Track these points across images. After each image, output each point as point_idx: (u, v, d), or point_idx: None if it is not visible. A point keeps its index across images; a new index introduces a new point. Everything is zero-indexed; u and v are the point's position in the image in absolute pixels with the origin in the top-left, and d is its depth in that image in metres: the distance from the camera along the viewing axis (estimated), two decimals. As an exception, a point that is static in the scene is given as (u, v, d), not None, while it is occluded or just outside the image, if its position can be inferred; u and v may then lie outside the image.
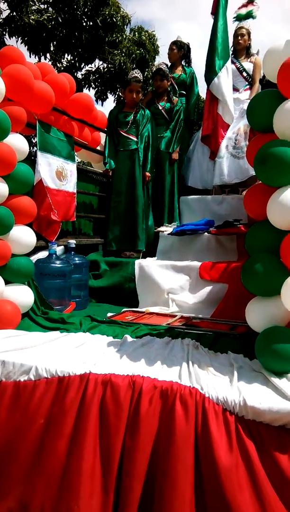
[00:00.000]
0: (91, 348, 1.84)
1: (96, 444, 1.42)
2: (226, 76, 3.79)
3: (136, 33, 8.32)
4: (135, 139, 3.61)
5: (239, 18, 4.20)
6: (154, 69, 4.08)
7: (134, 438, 1.38)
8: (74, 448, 1.42)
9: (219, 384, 1.44)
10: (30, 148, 2.45)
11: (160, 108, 3.98)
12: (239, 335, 2.08)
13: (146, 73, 7.80)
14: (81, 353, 1.76)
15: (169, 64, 4.30)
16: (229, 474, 1.23)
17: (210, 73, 3.79)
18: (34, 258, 2.68)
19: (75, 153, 3.40)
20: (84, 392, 1.50)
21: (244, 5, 4.22)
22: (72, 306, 2.75)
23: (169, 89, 4.02)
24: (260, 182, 1.68)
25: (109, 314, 2.64)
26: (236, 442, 1.28)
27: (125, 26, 8.08)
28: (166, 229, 3.62)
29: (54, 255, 2.68)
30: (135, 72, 3.69)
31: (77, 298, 2.90)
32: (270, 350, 1.47)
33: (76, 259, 2.96)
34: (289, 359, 1.45)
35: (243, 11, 4.19)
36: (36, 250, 2.68)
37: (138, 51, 8.06)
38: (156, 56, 8.46)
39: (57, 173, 2.99)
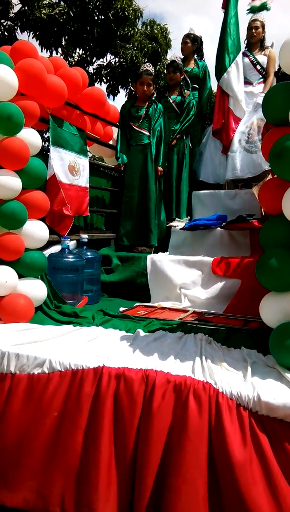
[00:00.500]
0: (104, 342, 1.85)
1: (111, 437, 1.43)
2: (236, 71, 3.76)
3: (148, 26, 8.27)
4: (148, 133, 3.60)
5: (253, 10, 4.13)
6: (168, 62, 4.05)
7: (147, 432, 1.39)
8: (91, 441, 1.43)
9: (233, 379, 1.43)
10: (42, 143, 2.46)
11: (171, 101, 3.95)
12: (252, 330, 2.07)
13: (158, 67, 7.74)
14: (94, 347, 1.77)
15: (182, 57, 4.26)
16: (243, 468, 1.23)
17: (220, 68, 3.77)
18: (47, 252, 2.70)
19: (88, 147, 3.40)
20: (98, 385, 1.50)
21: (258, -3, 4.15)
22: (85, 300, 2.77)
23: (181, 82, 3.98)
24: (275, 176, 1.66)
25: (121, 309, 2.65)
26: (250, 437, 1.27)
27: (137, 20, 8.03)
28: (178, 224, 3.61)
29: (66, 250, 2.69)
30: (147, 66, 3.67)
31: (89, 292, 2.92)
32: (285, 346, 1.46)
33: (88, 253, 2.97)
34: (303, 355, 1.44)
35: (257, 3, 4.12)
36: (49, 244, 2.69)
37: (150, 45, 8.01)
38: (168, 50, 8.40)
39: (70, 167, 3.00)
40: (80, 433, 1.46)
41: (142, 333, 1.99)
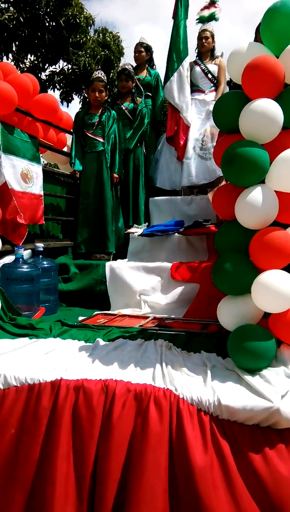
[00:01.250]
0: (62, 354, 1.80)
1: (69, 452, 1.39)
2: (178, 80, 3.85)
3: (100, 34, 8.30)
4: (102, 140, 3.58)
5: (202, 20, 4.25)
6: (119, 69, 4.07)
7: (107, 444, 1.36)
8: (47, 457, 1.38)
9: (193, 384, 1.43)
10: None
11: (124, 108, 3.98)
12: (211, 334, 2.09)
13: (111, 74, 7.79)
14: (51, 359, 1.72)
15: (133, 65, 4.30)
16: (204, 474, 1.23)
17: (165, 77, 3.88)
18: None
19: (41, 154, 3.33)
20: (56, 399, 1.47)
21: (206, 7, 4.27)
22: (42, 311, 2.69)
23: (133, 90, 4.02)
24: (228, 182, 1.69)
25: (80, 318, 2.60)
26: (211, 442, 1.28)
27: (89, 27, 8.04)
28: (137, 230, 3.61)
29: (21, 259, 2.60)
30: (98, 73, 3.68)
31: (46, 302, 2.84)
32: (242, 348, 1.48)
33: (45, 262, 2.90)
34: (261, 357, 1.46)
35: (206, 13, 4.24)
36: (1, 254, 2.60)
37: (102, 53, 8.04)
38: (121, 58, 8.47)
39: (22, 175, 2.92)
40: (37, 450, 1.41)
41: (101, 342, 1.95)
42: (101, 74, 3.67)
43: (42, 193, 3.17)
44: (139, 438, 1.34)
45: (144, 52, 4.33)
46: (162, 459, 1.30)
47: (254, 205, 1.52)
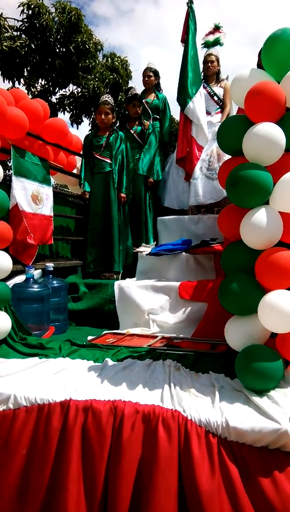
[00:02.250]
0: (71, 374, 1.82)
1: (80, 474, 1.39)
2: (200, 100, 3.94)
3: (109, 58, 8.54)
4: (109, 161, 3.67)
5: (207, 45, 4.37)
6: (129, 95, 4.18)
7: (117, 466, 1.36)
8: (58, 479, 1.39)
9: (201, 405, 1.43)
10: (5, 172, 2.45)
11: (132, 132, 4.09)
12: (219, 354, 2.08)
13: (119, 97, 7.97)
14: (61, 379, 1.73)
15: (139, 88, 4.41)
16: (211, 498, 1.22)
17: (185, 97, 3.92)
18: (10, 283, 2.64)
19: (51, 176, 3.41)
20: (65, 419, 1.48)
21: (211, 32, 4.40)
22: (51, 330, 2.71)
23: (140, 114, 4.15)
24: (233, 203, 1.72)
25: (89, 338, 2.61)
26: (219, 466, 1.27)
27: (98, 52, 8.28)
28: (145, 249, 3.64)
29: (31, 279, 2.64)
30: (105, 96, 3.80)
31: (56, 322, 2.86)
32: (250, 369, 1.48)
33: (54, 282, 2.93)
34: (268, 377, 1.46)
35: (211, 38, 4.37)
36: (12, 274, 2.64)
37: (111, 76, 8.26)
38: (129, 81, 8.68)
39: (33, 197, 2.99)
40: (47, 472, 1.42)
41: (110, 362, 1.96)
42: (108, 97, 3.79)
43: (52, 214, 3.23)
44: (149, 460, 1.34)
45: (153, 76, 4.46)
46: (172, 482, 1.29)
47: (258, 226, 1.54)
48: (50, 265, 3.01)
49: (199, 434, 1.32)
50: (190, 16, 3.98)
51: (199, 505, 1.23)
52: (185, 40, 4.03)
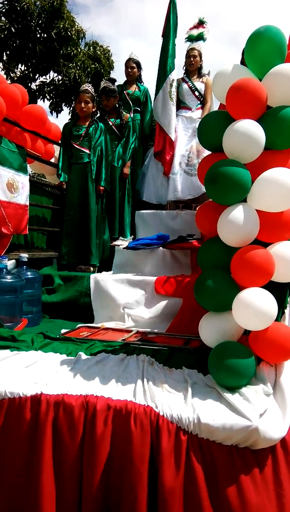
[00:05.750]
0: (43, 367, 1.78)
1: (52, 469, 1.39)
2: (162, 97, 3.94)
3: (91, 47, 8.40)
4: (88, 151, 3.61)
5: (190, 39, 4.34)
6: (100, 88, 4.12)
7: (91, 461, 1.36)
8: (32, 475, 1.38)
9: (174, 401, 1.43)
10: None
11: (110, 124, 4.03)
12: (193, 349, 2.09)
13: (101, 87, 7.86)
14: (32, 373, 1.70)
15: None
16: (172, 495, 1.23)
17: (155, 95, 3.98)
18: (-17, 273, 2.56)
19: (28, 165, 3.33)
20: (36, 414, 1.45)
21: (195, 27, 4.37)
22: (24, 322, 2.66)
23: (117, 105, 4.08)
24: (211, 200, 1.72)
25: (63, 331, 2.57)
26: (184, 464, 1.28)
27: (80, 40, 8.13)
28: (122, 243, 3.62)
29: (4, 270, 2.58)
30: (86, 85, 3.74)
31: (29, 314, 2.81)
32: (223, 366, 1.49)
33: (28, 273, 2.87)
34: (240, 374, 1.47)
35: (195, 32, 4.34)
36: (-15, 265, 2.56)
37: (93, 65, 8.13)
38: (111, 71, 8.57)
39: (8, 185, 2.91)
40: (21, 466, 1.41)
41: (83, 356, 1.94)
42: (88, 86, 3.72)
43: (27, 203, 3.16)
44: (122, 456, 1.34)
45: (135, 68, 4.40)
46: (144, 478, 1.30)
47: (235, 223, 1.54)
48: (24, 255, 2.94)
49: (170, 431, 1.32)
50: (171, 10, 3.95)
51: (163, 501, 1.24)
52: (164, 34, 4.00)
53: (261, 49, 1.69)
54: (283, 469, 1.29)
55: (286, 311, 1.70)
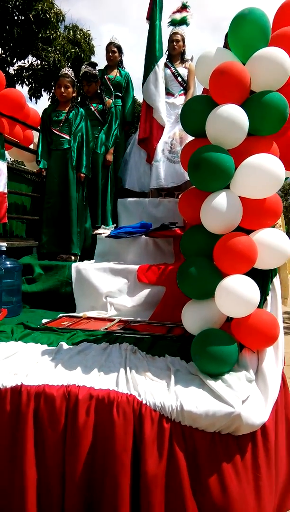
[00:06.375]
0: (23, 358, 1.76)
1: (35, 459, 1.38)
2: (154, 80, 3.85)
3: (71, 31, 8.18)
4: (68, 137, 3.52)
5: (173, 23, 4.26)
6: (81, 73, 4.02)
7: (74, 451, 1.37)
8: (15, 466, 1.37)
9: (157, 389, 1.43)
10: None
11: (93, 109, 3.94)
12: (176, 337, 2.09)
13: (81, 72, 7.68)
14: (12, 364, 1.67)
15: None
16: (154, 481, 1.25)
17: (144, 78, 3.84)
18: None
19: (6, 151, 3.23)
20: (17, 405, 1.44)
21: (179, 11, 4.28)
22: (3, 313, 2.60)
23: (99, 91, 3.99)
24: (194, 186, 1.70)
25: (44, 321, 2.53)
26: (167, 451, 1.28)
27: (59, 23, 7.90)
28: (104, 231, 3.57)
29: (-17, 260, 2.51)
30: (65, 69, 3.64)
31: (9, 304, 2.75)
32: (205, 353, 1.48)
33: (8, 263, 2.80)
34: (223, 361, 1.48)
35: (178, 16, 4.25)
36: None
37: (73, 50, 7.92)
38: (92, 56, 8.38)
39: (-14, 172, 2.82)
40: (4, 459, 1.41)
41: (65, 346, 1.91)
42: (68, 70, 3.62)
43: (6, 191, 3.07)
44: (104, 445, 1.34)
45: (117, 52, 4.30)
46: (126, 466, 1.30)
47: (218, 210, 1.53)
48: (3, 244, 2.87)
49: (153, 419, 1.31)
50: None
51: (145, 488, 1.25)
52: (149, 17, 3.91)
53: (245, 32, 1.65)
54: (261, 453, 1.31)
55: (268, 298, 1.70)
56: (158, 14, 3.90)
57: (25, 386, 1.46)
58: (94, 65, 4.09)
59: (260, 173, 1.51)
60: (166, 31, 4.15)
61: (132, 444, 1.32)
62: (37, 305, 3.01)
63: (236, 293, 1.47)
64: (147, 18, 3.97)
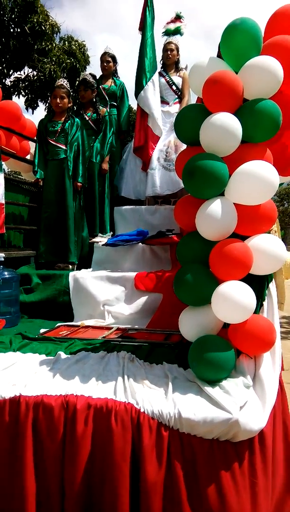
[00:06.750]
0: (21, 369, 1.75)
1: (34, 469, 1.38)
2: (152, 89, 3.89)
3: (66, 42, 8.27)
4: (64, 147, 3.55)
5: (167, 33, 4.32)
6: (80, 79, 4.07)
7: (72, 461, 1.36)
8: (15, 475, 1.38)
9: (155, 397, 1.43)
10: None
11: (87, 118, 3.97)
12: (173, 344, 2.09)
13: (77, 82, 7.76)
14: (11, 375, 1.67)
15: (93, 74, 4.28)
16: (154, 488, 1.25)
17: (138, 86, 3.88)
18: None
19: (3, 162, 3.25)
20: (16, 416, 1.44)
21: (173, 21, 4.35)
22: (1, 323, 2.60)
23: (94, 100, 4.02)
24: (189, 194, 1.71)
25: (42, 330, 2.53)
26: (166, 460, 1.28)
27: (55, 35, 8.00)
28: (101, 239, 3.58)
29: (-20, 270, 2.51)
30: (61, 80, 3.68)
31: (7, 314, 2.75)
32: (202, 359, 1.48)
33: (5, 273, 2.81)
34: (220, 367, 1.48)
35: (172, 26, 4.32)
36: None
37: (68, 60, 8.01)
38: (87, 66, 8.46)
39: (-17, 183, 2.83)
40: (4, 468, 1.41)
41: (63, 355, 1.91)
42: (64, 81, 3.66)
43: (3, 201, 3.08)
44: (103, 454, 1.34)
45: (111, 62, 4.34)
46: (126, 474, 1.30)
47: (213, 217, 1.54)
48: (1, 255, 2.87)
49: (151, 427, 1.31)
50: (148, 3, 3.91)
51: (145, 495, 1.25)
52: (142, 27, 3.97)
53: (237, 41, 1.68)
54: (258, 459, 1.31)
55: (265, 303, 1.71)
56: (150, 24, 3.96)
57: (23, 396, 1.45)
58: (94, 76, 4.14)
59: (254, 179, 1.53)
60: (160, 40, 4.21)
61: (131, 452, 1.32)
62: (35, 315, 3.01)
63: (232, 299, 1.47)
64: (139, 29, 4.03)
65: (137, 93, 3.93)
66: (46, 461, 1.38)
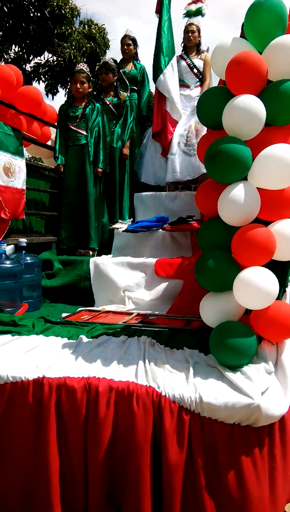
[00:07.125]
0: (44, 351, 1.79)
1: (58, 449, 1.41)
2: (171, 73, 3.83)
3: (86, 26, 8.18)
4: (85, 133, 3.54)
5: (189, 14, 4.22)
6: (101, 63, 4.02)
7: (96, 443, 1.38)
8: (39, 455, 1.40)
9: (176, 381, 1.43)
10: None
11: (108, 102, 3.93)
12: (194, 330, 2.09)
13: (97, 67, 7.69)
14: (34, 357, 1.70)
15: (115, 59, 4.24)
16: (176, 470, 1.27)
17: (156, 70, 3.83)
18: (-18, 259, 2.55)
19: (24, 148, 3.27)
20: (39, 397, 1.46)
21: (194, 2, 4.24)
22: (24, 307, 2.65)
23: (115, 84, 3.97)
24: (211, 179, 1.69)
25: (63, 315, 2.57)
26: (187, 443, 1.29)
27: (74, 19, 7.91)
28: (121, 226, 3.58)
29: (3, 255, 2.56)
30: (81, 65, 3.65)
31: (29, 299, 2.80)
32: (224, 345, 1.48)
33: (28, 258, 2.86)
34: (242, 353, 1.47)
35: (193, 7, 4.21)
36: (-16, 250, 2.54)
37: (88, 45, 7.93)
38: (107, 50, 8.37)
39: (5, 169, 2.86)
40: (29, 448, 1.44)
41: (85, 339, 1.94)
42: (83, 66, 3.63)
43: (24, 187, 3.11)
44: (125, 436, 1.35)
45: (132, 45, 4.28)
46: (147, 457, 1.32)
47: (236, 202, 1.52)
48: (23, 240, 2.92)
49: (172, 410, 1.32)
50: None
51: (168, 477, 1.27)
52: (159, 10, 3.89)
53: (261, 20, 1.63)
54: (278, 444, 1.31)
55: (288, 289, 1.69)
56: (168, 8, 3.87)
57: (46, 378, 1.48)
58: (115, 61, 4.10)
59: (278, 163, 1.49)
60: (179, 23, 4.13)
61: (152, 435, 1.33)
62: (57, 300, 3.06)
63: (254, 285, 1.46)
64: (156, 12, 3.94)
65: (155, 77, 3.87)
66: (69, 442, 1.41)
